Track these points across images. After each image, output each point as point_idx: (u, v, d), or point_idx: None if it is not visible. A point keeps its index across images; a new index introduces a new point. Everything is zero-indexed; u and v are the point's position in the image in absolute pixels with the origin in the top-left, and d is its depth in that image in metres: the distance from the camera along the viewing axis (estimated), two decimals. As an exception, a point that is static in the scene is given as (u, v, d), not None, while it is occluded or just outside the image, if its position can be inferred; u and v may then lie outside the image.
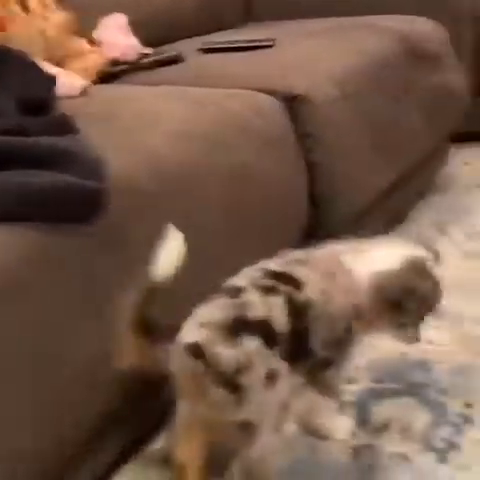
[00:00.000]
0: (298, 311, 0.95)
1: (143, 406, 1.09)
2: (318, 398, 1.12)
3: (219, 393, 0.90)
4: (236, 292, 0.95)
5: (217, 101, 1.32)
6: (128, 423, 1.10)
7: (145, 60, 1.72)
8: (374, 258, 1.04)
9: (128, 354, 0.90)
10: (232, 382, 0.89)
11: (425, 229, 1.92)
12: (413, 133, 1.74)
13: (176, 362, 0.91)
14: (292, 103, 1.40)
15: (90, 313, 0.93)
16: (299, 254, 1.04)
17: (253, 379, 0.90)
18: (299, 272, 0.99)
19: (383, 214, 1.78)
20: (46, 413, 0.89)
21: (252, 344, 0.90)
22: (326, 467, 1.12)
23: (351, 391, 1.29)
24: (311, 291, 0.97)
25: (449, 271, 1.65)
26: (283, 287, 0.96)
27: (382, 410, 1.24)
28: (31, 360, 0.86)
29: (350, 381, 1.31)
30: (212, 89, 1.39)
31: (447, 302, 1.29)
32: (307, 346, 0.98)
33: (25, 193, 0.87)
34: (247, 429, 0.92)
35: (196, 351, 0.89)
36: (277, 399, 0.94)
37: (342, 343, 1.04)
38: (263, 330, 0.91)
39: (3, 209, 0.86)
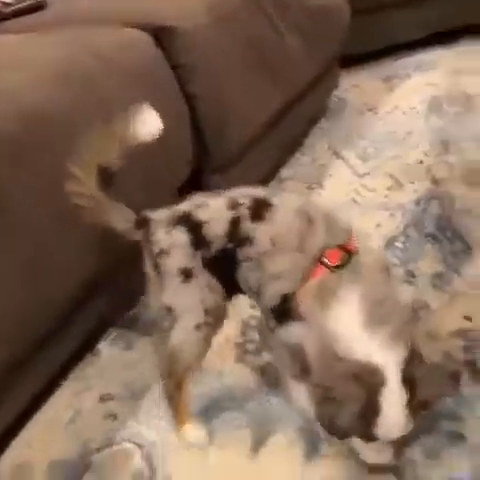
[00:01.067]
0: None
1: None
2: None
3: (149, 269, 1.04)
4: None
5: (83, 41, 1.27)
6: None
7: (7, 9, 1.63)
8: None
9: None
10: (155, 262, 1.01)
11: (321, 154, 1.94)
12: (295, 56, 1.73)
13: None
14: (162, 35, 1.35)
15: None
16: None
17: (169, 266, 1.00)
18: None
19: (276, 142, 1.78)
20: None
21: (179, 236, 1.00)
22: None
23: (255, 316, 1.31)
24: None
25: (345, 191, 1.71)
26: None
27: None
28: None
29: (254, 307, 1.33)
30: (78, 30, 1.34)
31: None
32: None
33: None
34: (169, 314, 1.03)
35: (142, 222, 1.02)
36: (192, 297, 1.02)
37: None
38: (194, 230, 1.00)
39: None
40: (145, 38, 1.34)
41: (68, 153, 0.97)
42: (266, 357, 1.21)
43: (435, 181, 1.68)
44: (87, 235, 1.11)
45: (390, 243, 1.46)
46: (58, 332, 1.14)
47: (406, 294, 1.29)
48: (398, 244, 1.45)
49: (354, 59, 2.41)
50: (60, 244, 1.06)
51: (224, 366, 1.21)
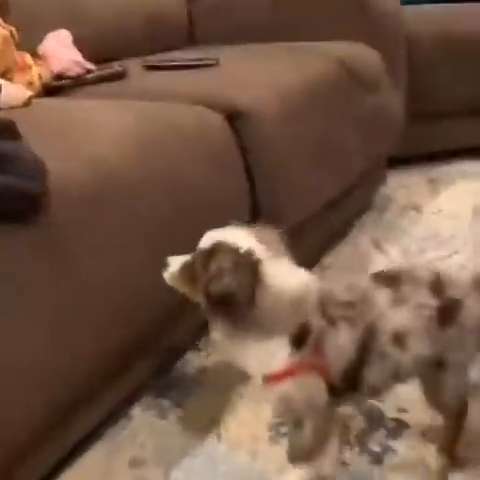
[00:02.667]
0: None
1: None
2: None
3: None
4: None
5: (159, 113, 1.35)
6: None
7: (89, 75, 1.74)
8: None
9: None
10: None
11: (363, 247, 1.98)
12: (350, 152, 1.80)
13: None
14: (234, 118, 1.43)
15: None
16: None
17: None
18: None
19: (322, 230, 1.83)
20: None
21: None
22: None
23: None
24: None
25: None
26: None
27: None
28: None
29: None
30: (154, 102, 1.41)
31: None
32: None
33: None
34: None
35: None
36: None
37: None
38: None
39: None
40: (218, 118, 1.41)
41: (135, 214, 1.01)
42: (300, 442, 1.21)
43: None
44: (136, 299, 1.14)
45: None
46: (95, 394, 1.16)
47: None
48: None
49: (403, 159, 2.48)
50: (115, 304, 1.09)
51: (257, 445, 1.21)
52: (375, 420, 1.25)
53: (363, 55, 2.02)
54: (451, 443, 1.12)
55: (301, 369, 0.95)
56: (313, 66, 1.81)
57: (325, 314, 0.97)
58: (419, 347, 0.99)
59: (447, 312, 1.01)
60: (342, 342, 0.96)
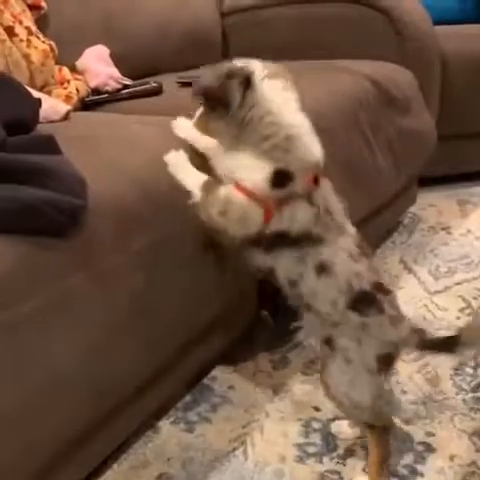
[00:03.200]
0: None
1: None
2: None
3: None
4: None
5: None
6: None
7: (125, 90, 1.77)
8: None
9: None
10: None
11: (391, 266, 1.97)
12: (383, 172, 1.80)
13: None
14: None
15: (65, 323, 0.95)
16: None
17: None
18: None
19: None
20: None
21: None
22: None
23: (318, 419, 1.32)
24: None
25: (415, 306, 1.73)
26: None
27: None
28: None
29: (317, 409, 1.34)
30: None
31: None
32: None
33: (10, 206, 0.89)
34: None
35: None
36: None
37: None
38: None
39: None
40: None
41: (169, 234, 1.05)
42: (327, 465, 1.21)
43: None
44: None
45: (460, 367, 1.45)
46: (125, 406, 1.16)
47: (472, 423, 1.29)
48: (468, 369, 1.44)
49: (433, 179, 2.47)
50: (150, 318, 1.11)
51: (284, 465, 1.21)
52: (403, 443, 1.24)
53: (396, 75, 2.02)
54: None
55: (262, 199, 1.06)
56: (345, 85, 1.82)
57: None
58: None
59: None
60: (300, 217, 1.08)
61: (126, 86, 1.78)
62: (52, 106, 1.45)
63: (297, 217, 1.08)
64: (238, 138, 1.08)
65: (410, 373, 1.44)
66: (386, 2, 2.14)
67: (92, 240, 1.00)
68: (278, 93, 1.08)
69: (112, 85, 1.77)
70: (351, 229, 1.14)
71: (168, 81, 1.81)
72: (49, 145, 1.10)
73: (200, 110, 1.15)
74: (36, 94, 1.34)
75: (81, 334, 0.98)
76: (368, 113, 1.78)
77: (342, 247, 1.10)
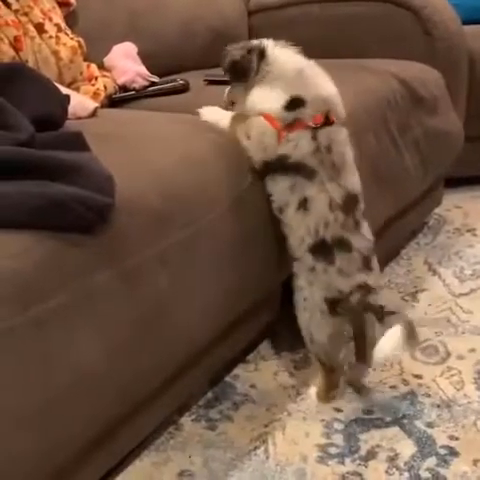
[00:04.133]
0: None
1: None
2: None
3: None
4: None
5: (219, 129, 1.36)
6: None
7: (152, 87, 1.77)
8: None
9: None
10: None
11: (416, 267, 1.95)
12: (410, 173, 1.79)
13: None
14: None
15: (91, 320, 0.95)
16: None
17: None
18: None
19: (377, 249, 1.81)
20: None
21: None
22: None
23: (340, 420, 1.31)
24: None
25: (439, 308, 1.71)
26: None
27: (370, 439, 1.26)
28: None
29: (339, 410, 1.34)
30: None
31: (437, 340, 1.32)
32: None
33: (39, 203, 0.90)
34: None
35: None
36: None
37: None
38: None
39: (18, 217, 0.89)
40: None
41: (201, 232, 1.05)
42: (349, 466, 1.20)
43: None
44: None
45: (484, 371, 1.44)
46: (148, 403, 1.16)
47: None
48: (493, 374, 1.43)
49: (459, 180, 2.45)
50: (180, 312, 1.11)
51: (305, 465, 1.21)
52: (426, 446, 1.23)
53: (424, 74, 2.00)
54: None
55: (276, 121, 1.22)
56: (372, 84, 1.80)
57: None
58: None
59: None
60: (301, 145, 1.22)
61: (153, 83, 1.78)
62: (80, 102, 1.46)
63: (299, 144, 1.21)
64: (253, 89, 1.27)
65: (434, 376, 1.43)
66: (415, 1, 2.12)
67: (119, 237, 1.00)
68: (286, 53, 1.28)
69: (139, 82, 1.77)
70: (347, 181, 1.25)
71: (194, 78, 1.81)
72: (77, 142, 1.10)
73: (228, 88, 1.35)
74: (64, 90, 1.35)
75: (106, 331, 0.98)
76: (395, 113, 1.76)
77: (327, 191, 1.22)
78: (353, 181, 1.27)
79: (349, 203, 1.25)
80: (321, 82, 1.28)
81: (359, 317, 1.28)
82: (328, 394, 1.36)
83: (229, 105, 1.36)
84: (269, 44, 1.28)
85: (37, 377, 0.88)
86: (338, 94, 1.30)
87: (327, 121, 1.24)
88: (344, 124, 1.29)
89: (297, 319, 1.30)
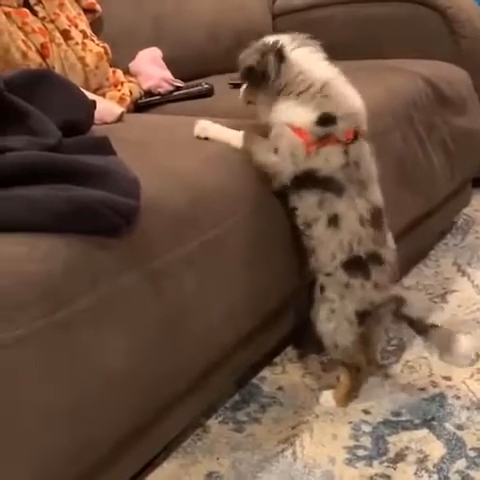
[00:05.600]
0: None
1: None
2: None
3: None
4: None
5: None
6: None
7: (177, 92, 1.78)
8: None
9: None
10: None
11: (444, 269, 1.94)
12: (437, 173, 1.77)
13: None
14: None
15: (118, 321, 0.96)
16: None
17: None
18: None
19: (403, 251, 1.79)
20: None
21: None
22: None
23: (368, 422, 1.30)
24: None
25: (468, 310, 1.69)
26: None
27: (398, 442, 1.25)
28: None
29: (367, 412, 1.33)
30: (240, 120, 1.43)
31: (466, 341, 1.30)
32: None
33: (66, 207, 0.91)
34: None
35: None
36: None
37: None
38: None
39: (46, 221, 0.91)
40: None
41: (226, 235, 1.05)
42: (377, 469, 1.19)
43: None
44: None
45: (514, 373, 1.42)
46: (175, 405, 1.17)
47: None
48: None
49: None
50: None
51: (333, 467, 1.20)
52: (455, 449, 1.22)
53: (450, 74, 1.99)
54: None
55: (306, 134, 1.19)
56: (398, 84, 1.79)
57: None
58: None
59: None
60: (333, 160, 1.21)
61: (178, 88, 1.80)
62: (106, 108, 1.48)
63: (330, 159, 1.20)
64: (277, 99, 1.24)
65: (463, 378, 1.41)
66: (441, 1, 2.10)
67: (144, 240, 1.01)
68: (308, 56, 1.24)
69: (164, 87, 1.79)
70: (373, 195, 1.25)
71: (219, 83, 1.82)
72: (104, 146, 1.12)
73: (243, 87, 1.32)
74: (91, 96, 1.37)
75: (132, 332, 0.99)
76: (422, 113, 1.76)
77: (356, 207, 1.22)
78: (378, 195, 1.27)
79: (376, 217, 1.25)
80: (348, 95, 1.26)
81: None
82: (351, 395, 1.36)
83: (246, 104, 1.34)
84: (286, 41, 1.24)
85: (65, 378, 0.89)
86: (363, 107, 1.27)
87: (355, 136, 1.23)
88: (366, 137, 1.28)
89: (315, 326, 1.29)
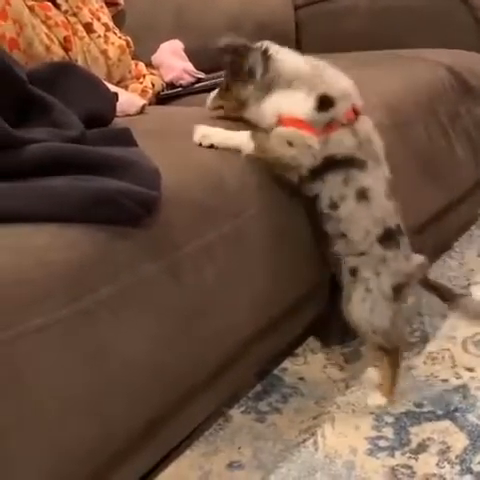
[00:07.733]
0: None
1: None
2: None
3: None
4: None
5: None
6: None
7: (199, 84, 1.79)
8: None
9: None
10: None
11: (468, 260, 1.92)
12: (461, 163, 1.76)
13: None
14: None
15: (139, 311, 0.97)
16: None
17: None
18: None
19: (427, 242, 1.79)
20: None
21: None
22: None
23: (391, 413, 1.30)
24: None
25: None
26: None
27: (421, 432, 1.25)
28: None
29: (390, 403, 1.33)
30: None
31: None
32: None
33: (88, 197, 0.92)
34: None
35: None
36: None
37: None
38: None
39: (68, 211, 0.92)
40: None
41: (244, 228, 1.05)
42: (399, 459, 1.19)
43: None
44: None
45: None
46: (197, 394, 1.17)
47: None
48: None
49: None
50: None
51: (355, 457, 1.20)
52: (478, 440, 1.21)
53: (474, 64, 1.97)
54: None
55: (311, 128, 1.15)
56: (420, 74, 1.78)
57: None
58: None
59: None
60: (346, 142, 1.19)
61: (199, 80, 1.80)
62: (129, 100, 1.48)
63: (343, 142, 1.19)
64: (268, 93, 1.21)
65: (488, 369, 1.40)
66: (465, -12, 2.08)
67: (165, 230, 1.01)
68: (291, 54, 1.25)
69: (186, 79, 1.79)
70: (385, 166, 1.25)
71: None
72: (125, 137, 1.13)
73: (213, 93, 1.35)
74: (113, 88, 1.38)
75: (154, 322, 0.99)
76: (446, 103, 1.74)
77: (379, 180, 1.23)
78: (386, 167, 1.28)
79: (390, 189, 1.26)
80: (338, 75, 1.23)
81: None
82: (395, 384, 1.33)
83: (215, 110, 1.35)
84: (270, 44, 1.26)
85: (87, 366, 0.90)
86: (353, 85, 1.24)
87: (355, 114, 1.22)
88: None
89: (348, 314, 1.27)
